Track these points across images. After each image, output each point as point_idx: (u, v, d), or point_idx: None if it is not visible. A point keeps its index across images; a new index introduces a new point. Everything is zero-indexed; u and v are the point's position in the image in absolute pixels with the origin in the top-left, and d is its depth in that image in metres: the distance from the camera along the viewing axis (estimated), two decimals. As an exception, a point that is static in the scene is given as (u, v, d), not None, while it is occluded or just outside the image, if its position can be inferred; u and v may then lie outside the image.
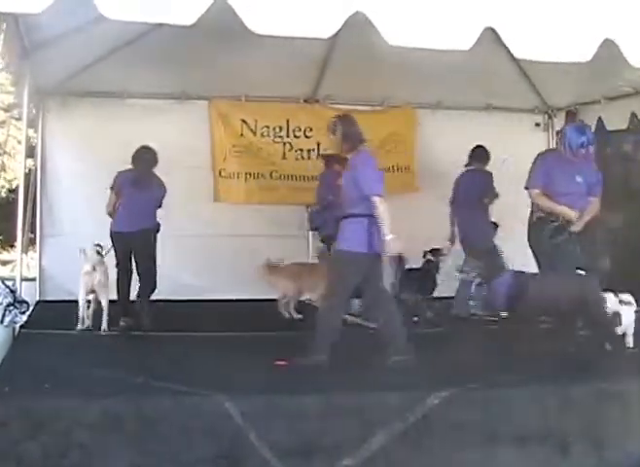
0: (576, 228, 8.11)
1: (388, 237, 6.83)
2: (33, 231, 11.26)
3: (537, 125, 12.95)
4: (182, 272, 11.10)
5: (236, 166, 11.81)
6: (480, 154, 10.51)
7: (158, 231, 9.19)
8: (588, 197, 8.26)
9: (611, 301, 7.51)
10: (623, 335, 7.50)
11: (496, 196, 10.24)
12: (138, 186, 9.02)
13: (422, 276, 9.87)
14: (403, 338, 7.06)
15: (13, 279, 8.53)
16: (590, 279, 7.74)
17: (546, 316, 7.94)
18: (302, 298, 10.12)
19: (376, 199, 6.88)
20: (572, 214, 8.05)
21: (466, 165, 10.47)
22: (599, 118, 11.69)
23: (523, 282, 7.56)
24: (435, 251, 10.01)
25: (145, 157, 9.19)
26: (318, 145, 12.04)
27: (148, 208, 9.09)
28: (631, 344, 7.50)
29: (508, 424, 5.68)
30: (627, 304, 7.54)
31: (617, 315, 7.44)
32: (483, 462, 5.57)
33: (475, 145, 10.45)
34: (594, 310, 7.43)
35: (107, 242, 8.89)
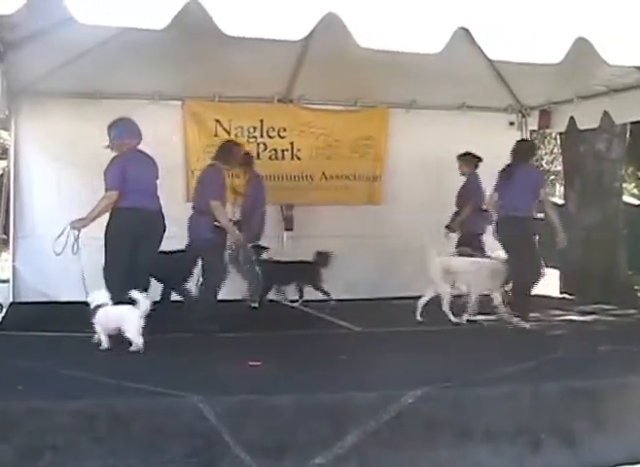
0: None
1: None
2: (6, 232, 11.22)
3: (511, 124, 13.05)
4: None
5: (210, 166, 11.79)
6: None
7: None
8: None
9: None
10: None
11: None
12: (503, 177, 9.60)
13: None
14: None
15: (-14, 282, 8.52)
16: None
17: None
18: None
19: None
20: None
21: None
22: (571, 117, 11.78)
23: None
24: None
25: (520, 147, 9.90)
26: (292, 145, 12.10)
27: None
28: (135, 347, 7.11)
29: (481, 422, 5.71)
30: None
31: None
32: (456, 460, 5.59)
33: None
34: None
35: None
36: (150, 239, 8.40)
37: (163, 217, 8.62)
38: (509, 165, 9.54)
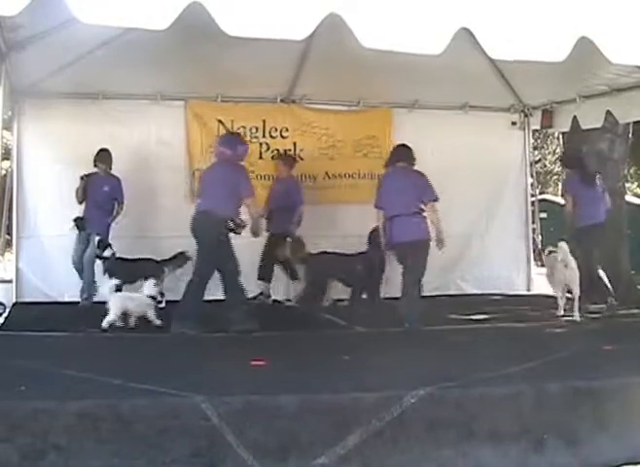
0: None
1: None
2: (10, 232, 11.22)
3: (513, 123, 13.09)
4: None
5: (213, 166, 11.79)
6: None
7: None
8: None
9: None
10: None
11: None
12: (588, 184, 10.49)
13: None
14: None
15: (-10, 281, 8.52)
16: None
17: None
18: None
19: None
20: None
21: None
22: (574, 116, 11.77)
23: None
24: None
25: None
26: (295, 145, 12.09)
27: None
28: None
29: (483, 422, 5.71)
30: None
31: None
32: (459, 460, 5.58)
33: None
34: None
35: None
36: (199, 235, 8.94)
37: (215, 215, 8.78)
38: (586, 173, 10.37)
